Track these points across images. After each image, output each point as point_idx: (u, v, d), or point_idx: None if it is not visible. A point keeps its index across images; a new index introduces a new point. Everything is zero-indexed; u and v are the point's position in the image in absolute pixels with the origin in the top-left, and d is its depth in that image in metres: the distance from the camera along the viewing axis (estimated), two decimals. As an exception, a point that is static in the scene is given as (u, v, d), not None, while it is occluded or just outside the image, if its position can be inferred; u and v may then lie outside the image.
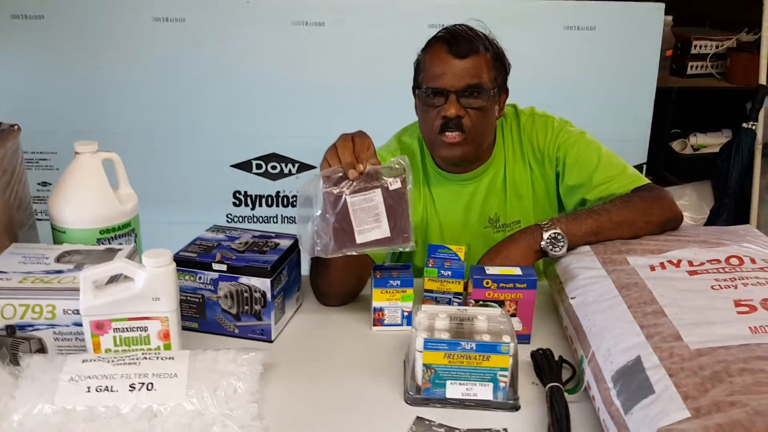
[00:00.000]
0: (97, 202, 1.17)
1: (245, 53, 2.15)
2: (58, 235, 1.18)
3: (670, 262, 1.09)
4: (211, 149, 2.21)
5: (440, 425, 0.94)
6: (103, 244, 1.17)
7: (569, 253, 1.24)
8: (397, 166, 1.10)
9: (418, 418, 0.96)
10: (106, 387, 0.87)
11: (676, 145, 2.85)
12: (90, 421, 0.85)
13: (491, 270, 1.15)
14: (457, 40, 1.30)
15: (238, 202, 2.23)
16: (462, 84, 1.29)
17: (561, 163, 1.41)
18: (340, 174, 1.08)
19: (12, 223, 1.16)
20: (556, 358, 1.07)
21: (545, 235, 1.24)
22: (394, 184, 1.09)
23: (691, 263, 1.07)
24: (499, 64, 1.35)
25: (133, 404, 0.86)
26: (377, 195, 1.08)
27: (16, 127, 1.16)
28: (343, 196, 1.07)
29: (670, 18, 2.61)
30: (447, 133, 1.30)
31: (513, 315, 1.15)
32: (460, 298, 1.21)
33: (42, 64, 2.13)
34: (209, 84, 2.19)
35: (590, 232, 1.24)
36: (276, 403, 0.98)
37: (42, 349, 1.00)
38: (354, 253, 1.09)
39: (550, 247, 1.24)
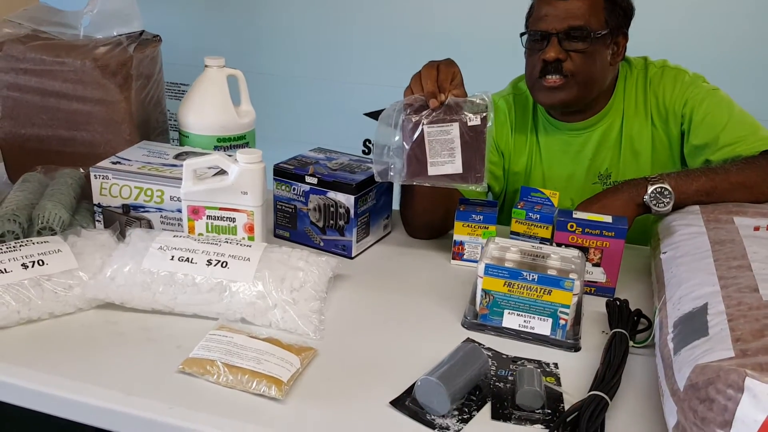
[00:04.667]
0: (217, 112, 1.29)
1: (391, 2, 2.21)
2: (183, 138, 1.32)
3: (781, 224, 0.98)
4: (346, 96, 2.31)
5: (488, 348, 0.93)
6: (218, 150, 1.30)
7: (675, 212, 1.15)
8: (479, 101, 1.08)
9: (468, 338, 0.96)
10: (187, 258, 0.97)
11: None
12: (169, 285, 0.96)
13: (578, 214, 1.10)
14: None
15: (367, 151, 2.31)
16: (564, 26, 1.23)
17: (687, 120, 1.30)
18: (422, 102, 1.09)
19: (146, 122, 1.32)
20: (633, 310, 1.01)
21: (650, 189, 1.16)
22: (474, 120, 1.07)
23: (805, 227, 0.95)
24: (614, 5, 1.26)
25: (207, 276, 0.96)
26: (454, 129, 1.07)
27: (157, 37, 1.31)
28: (421, 124, 1.08)
29: None
30: (547, 77, 1.26)
31: (597, 265, 1.09)
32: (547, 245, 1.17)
33: (209, 4, 2.36)
34: (352, 31, 2.28)
35: (702, 191, 1.14)
36: (339, 306, 1.04)
37: (150, 229, 1.14)
38: (426, 184, 1.10)
39: (654, 202, 1.15)
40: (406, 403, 0.80)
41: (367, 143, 2.33)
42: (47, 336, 0.91)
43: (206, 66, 1.30)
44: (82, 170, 1.22)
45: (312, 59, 2.34)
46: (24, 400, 0.83)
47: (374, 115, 2.28)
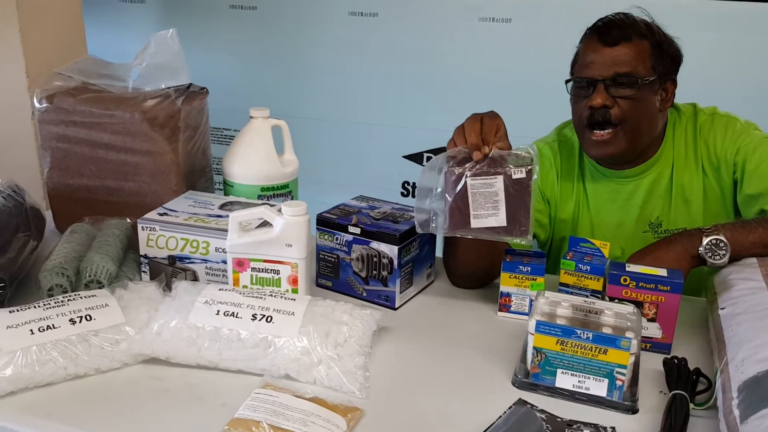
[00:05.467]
0: (261, 162, 1.30)
1: (431, 47, 2.23)
2: (227, 188, 1.33)
3: None
4: (386, 139, 2.32)
5: (542, 411, 0.89)
6: (262, 200, 1.30)
7: (732, 264, 1.11)
8: (525, 155, 1.07)
9: (520, 399, 0.92)
10: (233, 313, 0.96)
11: None
12: (214, 340, 0.95)
13: (632, 267, 1.07)
14: (608, 28, 1.24)
15: (406, 193, 2.31)
16: (610, 73, 1.23)
17: (740, 169, 1.26)
18: (465, 155, 1.08)
19: (192, 171, 1.33)
20: (692, 368, 0.96)
21: (705, 241, 1.12)
22: (518, 173, 1.06)
23: None
24: (661, 52, 1.25)
25: (253, 331, 0.95)
26: (498, 182, 1.06)
27: (204, 90, 1.33)
28: (464, 177, 1.07)
29: None
30: (595, 131, 1.24)
31: (652, 320, 1.05)
32: (598, 297, 1.14)
33: (250, 51, 2.42)
34: (392, 75, 2.31)
35: (759, 242, 1.10)
36: (384, 361, 1.01)
37: (195, 281, 1.14)
38: (468, 237, 1.08)
39: (709, 254, 1.12)
40: (459, 471, 0.77)
41: (405, 185, 2.33)
42: (92, 393, 0.91)
43: (251, 117, 1.31)
44: (129, 220, 1.24)
45: (351, 103, 2.38)
46: (70, 460, 0.82)
47: (414, 158, 2.28)
